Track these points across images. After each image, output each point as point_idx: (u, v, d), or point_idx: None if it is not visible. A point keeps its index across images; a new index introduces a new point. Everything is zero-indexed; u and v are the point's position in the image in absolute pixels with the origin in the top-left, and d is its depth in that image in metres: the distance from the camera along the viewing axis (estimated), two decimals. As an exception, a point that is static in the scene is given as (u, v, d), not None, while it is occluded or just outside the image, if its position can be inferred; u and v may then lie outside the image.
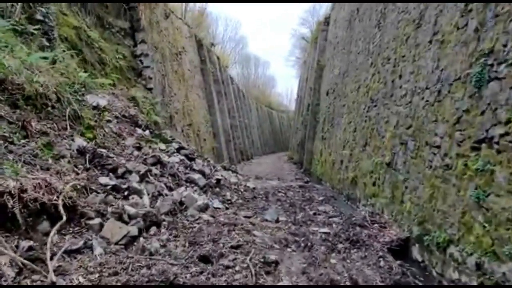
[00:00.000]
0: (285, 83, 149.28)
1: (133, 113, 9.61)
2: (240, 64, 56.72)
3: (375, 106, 9.00)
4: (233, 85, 36.12)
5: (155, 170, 7.84)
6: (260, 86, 61.76)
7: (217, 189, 9.57)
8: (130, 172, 6.34)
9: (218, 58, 28.63)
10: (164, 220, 5.73)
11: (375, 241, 5.97)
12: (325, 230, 6.54)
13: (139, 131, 9.23)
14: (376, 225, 6.74)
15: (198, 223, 6.17)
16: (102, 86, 10.02)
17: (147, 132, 9.42)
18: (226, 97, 28.30)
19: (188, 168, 9.48)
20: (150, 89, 12.51)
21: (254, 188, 12.57)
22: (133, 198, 5.81)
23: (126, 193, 5.82)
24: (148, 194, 6.52)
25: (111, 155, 6.40)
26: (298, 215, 8.09)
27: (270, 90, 68.51)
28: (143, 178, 6.58)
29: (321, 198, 10.93)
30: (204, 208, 7.46)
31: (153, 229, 5.30)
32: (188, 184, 8.61)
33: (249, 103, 46.01)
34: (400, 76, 7.36)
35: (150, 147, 8.70)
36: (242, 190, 11.36)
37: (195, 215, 6.84)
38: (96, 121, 7.60)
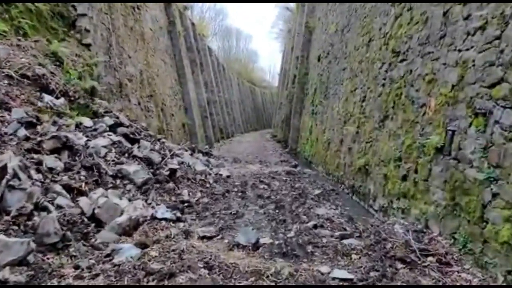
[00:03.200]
0: (268, 59, 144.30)
1: (41, 73, 6.23)
2: (220, 36, 52.57)
3: (404, 60, 5.88)
4: (212, 57, 32.46)
5: (53, 161, 4.59)
6: (242, 60, 57.82)
7: (170, 184, 6.40)
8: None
9: (193, 24, 24.91)
10: None
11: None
12: (343, 273, 3.47)
13: (48, 98, 5.90)
14: (430, 258, 3.71)
15: (93, 274, 3.01)
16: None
17: (61, 100, 6.09)
18: (202, 69, 24.76)
19: (126, 155, 6.25)
20: (87, 46, 9.03)
21: (228, 177, 9.43)
22: None
23: None
24: (6, 214, 3.32)
25: None
26: (290, 231, 5.00)
27: (252, 65, 64.59)
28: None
29: (317, 192, 7.88)
30: (132, 226, 4.31)
31: None
32: (117, 182, 5.40)
33: (230, 78, 42.38)
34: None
35: (55, 122, 5.41)
36: (211, 181, 8.22)
37: (108, 245, 3.71)
38: None
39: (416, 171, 5.02)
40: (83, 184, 4.71)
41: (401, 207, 5.34)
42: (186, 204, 6.05)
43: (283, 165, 12.97)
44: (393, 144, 5.91)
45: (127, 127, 7.06)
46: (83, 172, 4.91)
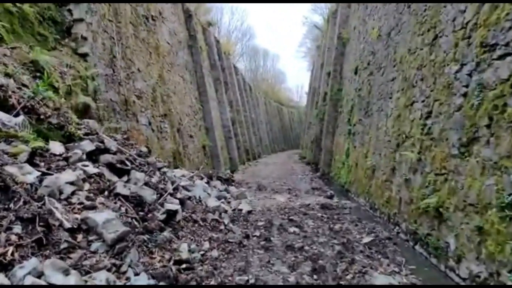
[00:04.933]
0: (295, 79, 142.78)
1: (-3, 83, 4.60)
2: (247, 56, 51.48)
3: (507, 55, 3.84)
4: (238, 76, 31.10)
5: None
6: (269, 80, 56.35)
7: (165, 234, 4.52)
8: None
9: (217, 41, 23.61)
10: None
11: None
12: None
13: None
14: None
15: None
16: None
17: (18, 119, 4.39)
18: (227, 87, 23.27)
19: (105, 193, 4.46)
20: (83, 56, 7.53)
21: (250, 213, 7.50)
22: None
23: None
24: None
25: None
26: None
27: (279, 85, 63.03)
28: None
29: (366, 240, 5.81)
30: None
31: None
32: (78, 239, 3.57)
33: (256, 97, 40.90)
34: None
35: (-11, 151, 3.68)
36: (226, 221, 6.30)
37: None
38: None
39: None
40: (11, 249, 2.92)
41: (521, 287, 3.21)
42: (184, 266, 4.16)
43: (315, 194, 10.92)
44: (493, 181, 3.82)
45: (115, 153, 5.29)
46: (16, 229, 3.11)
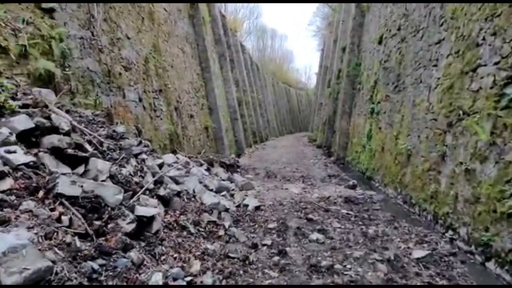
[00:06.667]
0: (303, 59, 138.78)
1: None
2: (255, 36, 49.13)
3: None
4: (245, 55, 29.19)
5: None
6: (277, 60, 54.04)
7: (131, 254, 2.89)
8: None
9: (223, 15, 21.69)
10: None
11: None
12: None
13: None
14: None
15: None
16: None
17: None
18: (233, 65, 21.43)
19: (38, 194, 2.84)
20: (49, 11, 5.86)
21: (257, 209, 5.88)
22: None
23: None
24: None
25: None
26: None
27: (287, 65, 60.68)
28: None
29: (419, 254, 4.17)
30: None
31: None
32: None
33: (264, 78, 38.93)
34: None
35: None
36: (227, 224, 4.62)
37: None
38: None
39: None
40: None
41: None
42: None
43: (333, 183, 9.29)
44: None
45: (67, 134, 3.67)
46: None
